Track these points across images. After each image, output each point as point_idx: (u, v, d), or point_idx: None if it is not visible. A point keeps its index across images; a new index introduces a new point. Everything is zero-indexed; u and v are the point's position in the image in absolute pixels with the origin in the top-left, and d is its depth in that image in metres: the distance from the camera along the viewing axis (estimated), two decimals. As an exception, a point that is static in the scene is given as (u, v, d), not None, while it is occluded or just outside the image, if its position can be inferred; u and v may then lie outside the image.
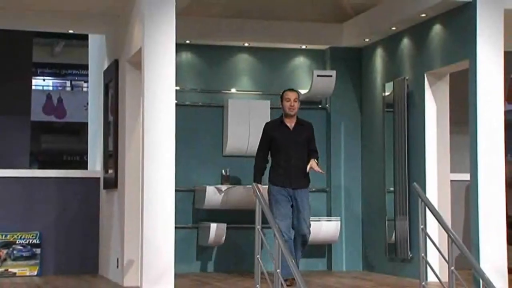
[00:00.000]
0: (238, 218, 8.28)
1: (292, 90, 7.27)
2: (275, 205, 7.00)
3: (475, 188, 6.81)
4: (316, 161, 7.12)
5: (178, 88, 7.78)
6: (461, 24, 7.11)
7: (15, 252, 8.00)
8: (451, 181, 7.81)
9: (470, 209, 6.95)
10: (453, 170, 7.84)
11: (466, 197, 8.19)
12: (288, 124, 7.15)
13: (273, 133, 7.14)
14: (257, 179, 7.06)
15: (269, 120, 7.82)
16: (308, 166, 7.04)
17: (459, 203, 8.43)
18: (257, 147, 7.26)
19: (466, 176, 7.15)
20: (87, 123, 9.93)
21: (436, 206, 7.12)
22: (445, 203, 7.67)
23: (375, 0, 8.21)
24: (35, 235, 8.08)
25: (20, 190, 8.10)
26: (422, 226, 6.44)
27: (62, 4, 7.31)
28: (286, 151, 7.08)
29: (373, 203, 8.55)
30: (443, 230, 6.36)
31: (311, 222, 7.15)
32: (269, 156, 7.24)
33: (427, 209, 6.49)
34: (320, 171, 7.12)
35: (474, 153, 6.83)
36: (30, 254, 8.04)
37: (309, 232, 7.04)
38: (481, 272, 5.80)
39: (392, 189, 8.12)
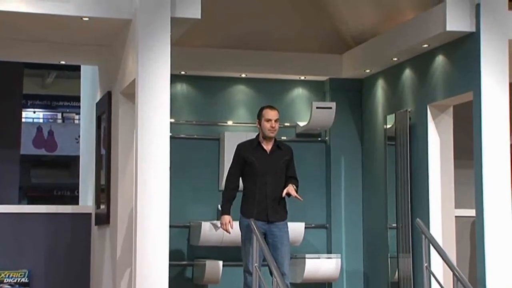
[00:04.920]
0: (235, 255, 8.22)
1: (273, 108, 6.70)
2: (246, 241, 6.57)
3: (481, 225, 6.78)
4: (295, 187, 6.58)
5: (172, 120, 7.78)
6: (464, 55, 7.14)
7: (2, 291, 7.94)
8: (456, 217, 7.78)
9: (476, 247, 6.91)
10: (458, 205, 7.82)
11: (472, 233, 8.16)
12: (265, 147, 6.63)
13: (248, 156, 6.60)
14: (226, 210, 6.61)
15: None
16: (285, 191, 6.50)
17: (465, 240, 8.39)
18: (227, 171, 6.81)
19: (472, 212, 7.13)
20: (78, 156, 9.91)
21: (440, 243, 7.10)
22: (450, 240, 7.62)
23: (375, 30, 8.26)
24: (23, 273, 8.01)
25: (9, 227, 8.05)
26: (426, 264, 6.42)
27: (54, 35, 7.33)
28: (262, 178, 6.54)
29: (375, 239, 8.50)
30: (448, 268, 6.33)
31: (311, 260, 7.02)
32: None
33: (431, 246, 6.46)
34: (298, 197, 6.57)
35: (480, 188, 6.81)
36: (18, 293, 7.98)
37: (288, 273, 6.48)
38: (488, 312, 5.76)
39: (394, 225, 8.08)
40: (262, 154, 6.64)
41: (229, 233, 6.76)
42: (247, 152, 6.66)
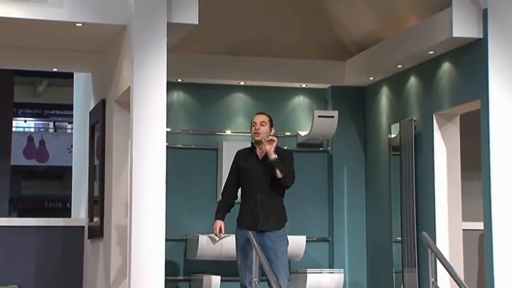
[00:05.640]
0: (233, 269, 8.15)
1: (260, 112, 6.75)
2: (239, 252, 6.50)
3: (489, 238, 6.75)
4: (282, 168, 6.40)
5: (169, 129, 7.75)
6: (471, 62, 7.11)
7: (-9, 307, 7.89)
8: (463, 230, 7.76)
9: (484, 261, 6.88)
10: (465, 218, 7.79)
11: (480, 247, 8.14)
12: (258, 153, 6.58)
13: (242, 163, 6.58)
14: (218, 215, 6.56)
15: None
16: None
17: (472, 254, 8.36)
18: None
19: (480, 225, 7.10)
20: (71, 167, 9.90)
21: (447, 257, 7.07)
22: (457, 254, 7.60)
23: (378, 37, 8.24)
24: (13, 288, 7.98)
25: (-2, 240, 8.03)
26: (432, 279, 6.39)
27: (46, 41, 7.31)
28: (253, 185, 6.49)
29: (379, 253, 8.47)
30: (455, 283, 6.29)
31: (313, 275, 6.97)
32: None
33: (437, 260, 6.42)
34: (271, 149, 6.38)
35: (488, 200, 6.78)
36: (8, 310, 7.93)
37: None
38: (498, 329, 5.71)
39: (399, 238, 8.05)
40: (254, 160, 6.61)
41: (219, 237, 6.69)
42: (242, 159, 6.66)
